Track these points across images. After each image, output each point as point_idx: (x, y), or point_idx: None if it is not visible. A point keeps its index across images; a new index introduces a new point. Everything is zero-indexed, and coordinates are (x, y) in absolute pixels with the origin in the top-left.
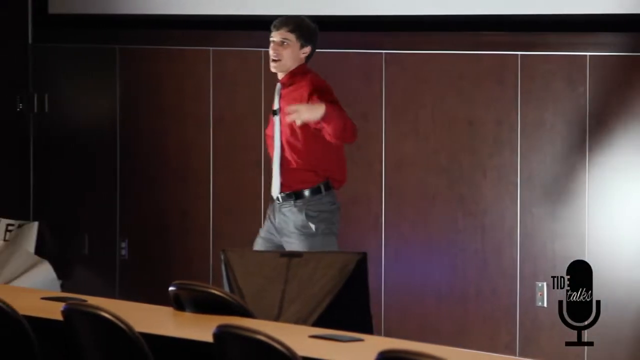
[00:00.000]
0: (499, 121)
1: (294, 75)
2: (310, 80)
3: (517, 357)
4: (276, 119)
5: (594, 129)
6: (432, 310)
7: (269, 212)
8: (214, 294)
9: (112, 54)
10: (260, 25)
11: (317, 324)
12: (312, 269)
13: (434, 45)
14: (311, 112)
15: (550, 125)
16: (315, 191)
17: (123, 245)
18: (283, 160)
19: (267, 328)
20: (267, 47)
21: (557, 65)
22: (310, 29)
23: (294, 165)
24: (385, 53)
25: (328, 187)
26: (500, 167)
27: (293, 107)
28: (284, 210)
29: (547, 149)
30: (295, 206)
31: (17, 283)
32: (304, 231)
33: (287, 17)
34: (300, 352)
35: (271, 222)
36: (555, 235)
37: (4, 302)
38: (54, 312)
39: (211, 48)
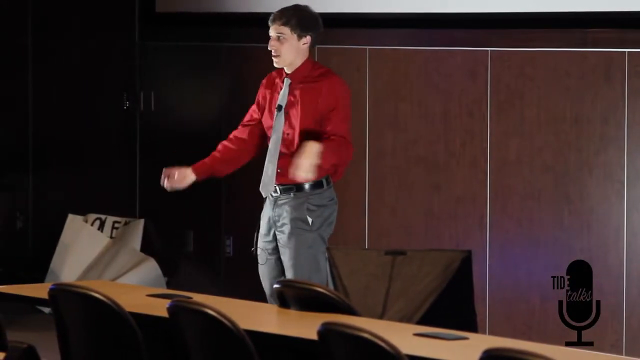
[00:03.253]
0: (606, 119)
1: (303, 73)
2: (331, 85)
3: (623, 357)
4: (281, 115)
5: None
6: (537, 308)
7: (262, 215)
8: (318, 291)
9: (218, 52)
10: (365, 23)
11: (421, 321)
12: (417, 267)
13: (539, 43)
14: (306, 170)
15: None
16: (317, 185)
17: (228, 242)
18: (287, 158)
19: (372, 326)
20: (372, 45)
21: None
22: (306, 17)
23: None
24: (490, 50)
25: (329, 182)
26: (606, 165)
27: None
28: (280, 202)
29: None
30: (295, 199)
31: (123, 280)
32: (298, 225)
33: (282, 9)
34: (405, 350)
35: (268, 220)
36: None
37: (111, 299)
38: (160, 309)
39: (316, 46)
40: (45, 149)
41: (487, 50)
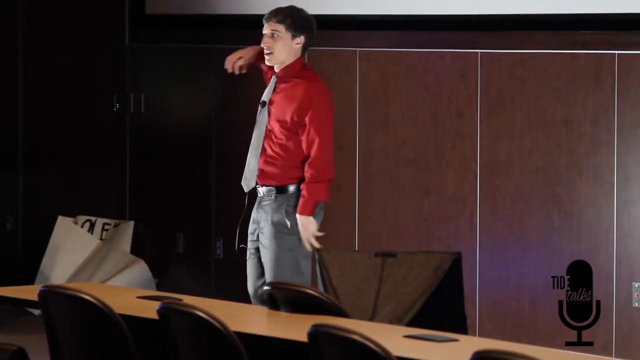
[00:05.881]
0: (596, 121)
1: (290, 72)
2: (309, 88)
3: (613, 359)
4: (264, 111)
5: None
6: (527, 310)
7: (252, 214)
8: (308, 293)
9: (208, 54)
10: (354, 25)
11: (411, 323)
12: (407, 269)
13: (530, 45)
14: (310, 228)
15: None
16: (299, 188)
17: (218, 244)
18: (268, 155)
19: (362, 328)
20: (361, 47)
21: None
22: (301, 18)
23: (281, 160)
24: (480, 52)
25: None
26: (596, 166)
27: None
28: (263, 204)
29: None
30: (276, 201)
31: (113, 282)
32: (278, 228)
33: (278, 8)
34: (395, 352)
35: (253, 221)
36: None
37: (101, 301)
38: (150, 311)
39: (308, 49)
40: (35, 150)
41: (477, 52)
